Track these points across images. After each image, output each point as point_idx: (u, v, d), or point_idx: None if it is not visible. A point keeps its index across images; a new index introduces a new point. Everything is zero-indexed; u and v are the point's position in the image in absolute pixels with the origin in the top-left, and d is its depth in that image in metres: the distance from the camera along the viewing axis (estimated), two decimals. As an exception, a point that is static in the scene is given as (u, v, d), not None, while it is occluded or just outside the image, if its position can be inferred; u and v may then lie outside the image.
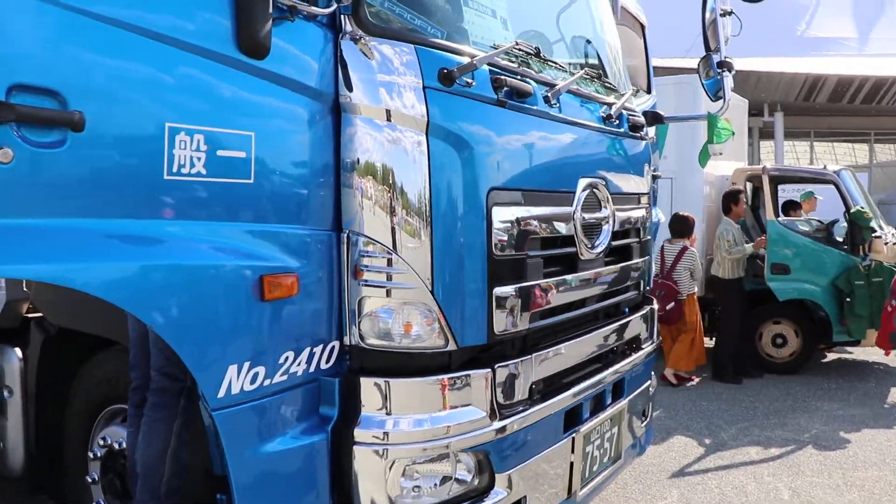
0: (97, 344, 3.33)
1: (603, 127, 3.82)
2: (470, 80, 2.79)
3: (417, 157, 2.68)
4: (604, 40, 4.41)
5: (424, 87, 2.67)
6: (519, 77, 3.09)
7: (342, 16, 2.67)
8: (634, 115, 4.30)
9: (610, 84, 4.11)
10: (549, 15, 3.97)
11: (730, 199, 8.73)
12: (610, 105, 3.91)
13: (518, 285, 3.00)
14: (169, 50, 2.22)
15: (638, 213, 4.24)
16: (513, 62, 3.14)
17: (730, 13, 4.77)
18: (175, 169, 2.25)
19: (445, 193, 2.74)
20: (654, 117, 4.92)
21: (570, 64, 3.82)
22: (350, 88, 2.67)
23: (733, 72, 4.75)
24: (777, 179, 9.63)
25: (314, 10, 2.55)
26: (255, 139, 2.45)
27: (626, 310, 4.28)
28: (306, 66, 2.60)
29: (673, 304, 7.94)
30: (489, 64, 2.93)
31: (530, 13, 3.77)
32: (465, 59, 2.79)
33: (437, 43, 2.80)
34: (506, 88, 2.95)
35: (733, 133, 4.66)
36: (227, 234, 2.41)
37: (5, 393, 3.50)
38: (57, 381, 3.48)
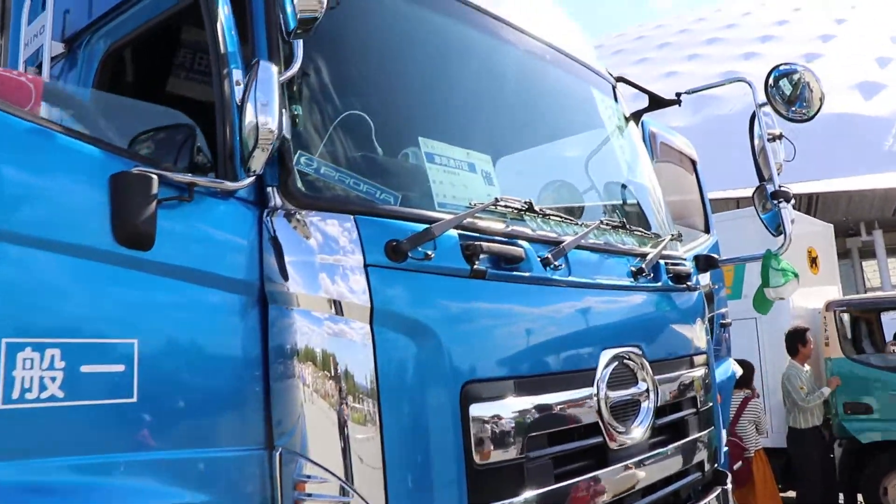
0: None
1: (633, 284, 3.20)
2: (429, 252, 2.27)
3: (362, 355, 2.13)
4: (635, 183, 3.89)
5: (366, 266, 2.17)
6: (505, 239, 2.57)
7: (268, 188, 2.25)
8: (677, 264, 3.67)
9: (642, 232, 3.54)
10: (559, 160, 3.52)
11: (796, 339, 7.78)
12: (642, 256, 3.32)
13: (514, 499, 2.33)
14: (6, 248, 1.80)
15: (692, 378, 3.51)
16: (501, 221, 2.64)
17: (779, 137, 4.18)
18: (16, 395, 1.76)
19: (400, 396, 2.16)
20: (707, 262, 4.28)
21: (585, 214, 3.29)
22: (280, 276, 2.19)
23: (791, 202, 4.11)
24: (856, 310, 8.60)
25: (225, 185, 2.13)
26: (138, 347, 1.96)
27: (691, 495, 3.47)
28: (216, 252, 2.15)
29: (740, 463, 6.91)
30: (462, 228, 2.43)
31: (532, 159, 3.32)
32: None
33: (385, 210, 2.32)
34: (485, 255, 2.42)
35: (796, 275, 3.94)
36: (99, 469, 1.88)
37: None
38: None
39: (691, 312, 3.70)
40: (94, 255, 1.91)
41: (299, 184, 2.23)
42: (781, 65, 4.06)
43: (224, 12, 2.29)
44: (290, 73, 2.21)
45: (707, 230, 5.38)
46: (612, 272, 3.11)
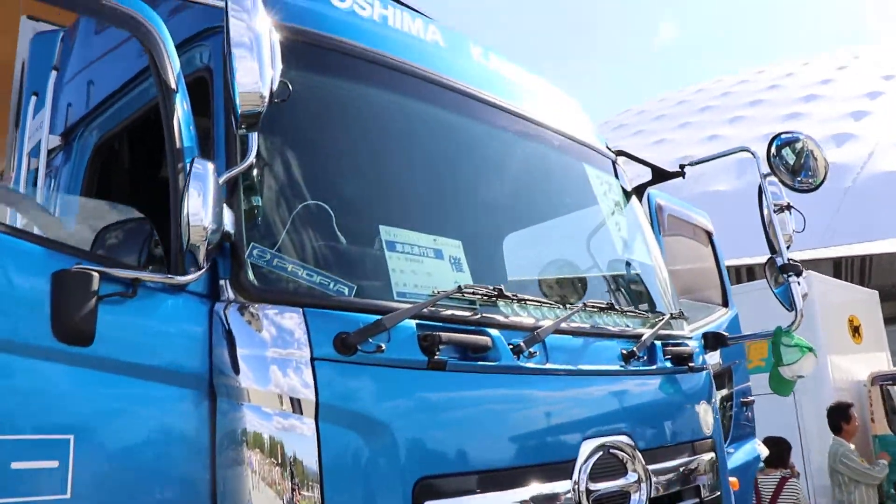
0: None
1: (623, 368, 3.07)
2: (381, 345, 2.21)
3: (307, 450, 2.07)
4: (634, 261, 3.80)
5: (313, 360, 2.13)
6: (472, 328, 2.50)
7: (221, 281, 2.24)
8: (678, 344, 3.52)
9: (636, 312, 3.42)
10: (548, 241, 3.44)
11: (838, 416, 7.36)
12: (635, 338, 3.20)
13: None
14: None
15: (695, 465, 3.33)
16: (470, 309, 2.57)
17: (787, 208, 4.05)
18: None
19: (345, 493, 2.08)
20: (716, 340, 4.10)
21: (575, 297, 3.20)
22: (230, 369, 2.16)
23: (802, 275, 3.94)
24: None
25: (171, 279, 2.12)
26: (74, 443, 1.93)
27: None
28: (163, 345, 2.13)
29: None
30: (423, 318, 2.37)
31: (518, 242, 3.25)
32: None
33: (337, 302, 2.28)
34: (446, 345, 2.35)
35: (811, 350, 3.75)
36: None
37: None
38: None
39: (694, 395, 3.53)
40: (33, 352, 1.91)
41: (251, 277, 2.22)
42: (782, 133, 3.97)
43: (181, 108, 2.32)
44: (242, 167, 2.22)
45: (725, 304, 5.20)
46: (598, 357, 2.99)
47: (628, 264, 3.74)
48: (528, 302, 2.81)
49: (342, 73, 2.73)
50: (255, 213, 2.32)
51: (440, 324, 2.43)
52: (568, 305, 3.00)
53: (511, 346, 2.59)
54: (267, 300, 2.20)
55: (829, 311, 8.43)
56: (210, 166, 2.03)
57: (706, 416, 3.58)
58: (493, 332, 2.56)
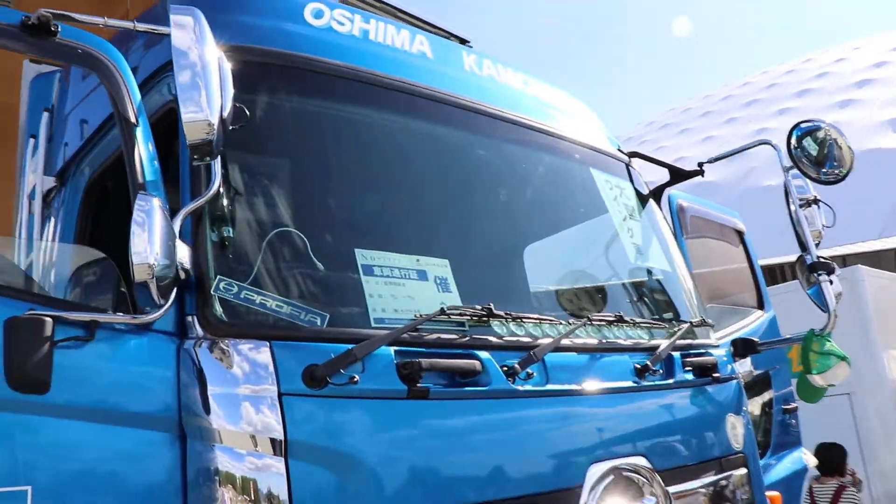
0: None
1: (636, 384, 2.89)
2: (354, 376, 2.09)
3: (277, 492, 1.96)
4: (649, 267, 3.60)
5: (280, 395, 2.02)
6: (458, 351, 2.36)
7: (188, 317, 2.15)
8: (700, 354, 3.32)
9: (650, 323, 3.22)
10: (550, 253, 3.29)
11: None
12: (650, 351, 3.02)
13: None
14: None
15: (726, 482, 3.12)
16: (457, 331, 2.44)
17: (815, 202, 3.81)
18: None
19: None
20: (745, 346, 3.88)
21: (582, 310, 3.04)
22: (199, 408, 2.07)
23: (836, 273, 3.70)
24: None
25: (132, 319, 2.04)
26: (32, 494, 1.86)
27: None
28: (126, 387, 2.05)
29: None
30: (404, 344, 2.25)
31: (517, 256, 3.10)
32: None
33: (307, 333, 2.17)
34: (427, 373, 2.22)
35: (844, 358, 3.49)
36: None
37: None
38: None
39: (720, 407, 3.31)
40: None
41: (218, 311, 2.13)
42: (802, 122, 3.73)
43: (141, 141, 2.26)
44: (203, 199, 2.15)
45: (761, 306, 4.93)
46: (607, 374, 2.82)
47: (643, 271, 3.56)
48: (524, 320, 2.66)
49: (312, 92, 2.65)
50: (222, 245, 2.23)
51: (423, 349, 2.30)
52: (572, 321, 2.84)
53: (505, 369, 2.45)
54: (235, 335, 2.11)
55: (887, 306, 7.99)
56: (156, 201, 1.95)
57: (736, 429, 3.35)
58: (484, 354, 2.42)
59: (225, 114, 2.05)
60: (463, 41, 7.74)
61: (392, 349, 2.22)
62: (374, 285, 2.37)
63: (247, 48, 2.45)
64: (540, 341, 2.61)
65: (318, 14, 2.92)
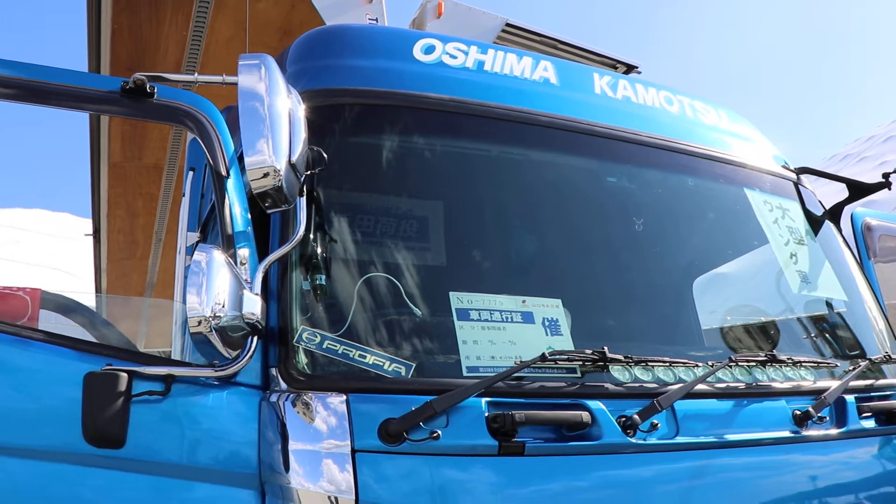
0: None
1: (794, 435, 2.45)
2: (436, 431, 1.92)
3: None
4: (816, 298, 3.11)
5: (354, 451, 1.89)
6: (565, 401, 2.12)
7: (271, 369, 2.10)
8: (882, 398, 2.78)
9: (818, 362, 2.74)
10: (690, 290, 2.92)
11: None
12: (816, 394, 2.57)
13: None
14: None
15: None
16: (567, 379, 2.19)
17: None
18: None
19: None
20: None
21: (723, 352, 2.66)
22: (280, 466, 1.98)
23: None
24: None
25: (205, 372, 2.01)
26: None
27: None
28: (204, 443, 2.01)
29: None
30: (500, 394, 2.04)
31: (644, 292, 2.77)
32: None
33: (388, 385, 2.03)
34: (524, 426, 1.99)
35: None
36: None
37: None
38: None
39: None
40: (67, 458, 1.89)
41: (300, 362, 2.06)
42: None
43: (232, 194, 2.27)
44: (285, 248, 2.11)
45: None
46: (757, 423, 2.41)
47: (812, 303, 3.06)
48: (651, 363, 2.35)
49: (407, 129, 2.54)
50: (308, 294, 2.17)
51: (524, 401, 2.08)
52: (713, 363, 2.46)
53: (622, 420, 2.15)
54: (316, 388, 2.02)
55: None
56: (216, 253, 1.92)
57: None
58: (596, 405, 2.15)
59: (294, 158, 2.00)
60: (630, 67, 7.38)
61: (484, 401, 2.02)
62: (469, 331, 2.18)
63: (323, 91, 2.40)
64: (669, 388, 2.28)
65: (429, 50, 2.84)
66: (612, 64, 7.28)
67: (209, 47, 6.22)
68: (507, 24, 5.67)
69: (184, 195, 3.85)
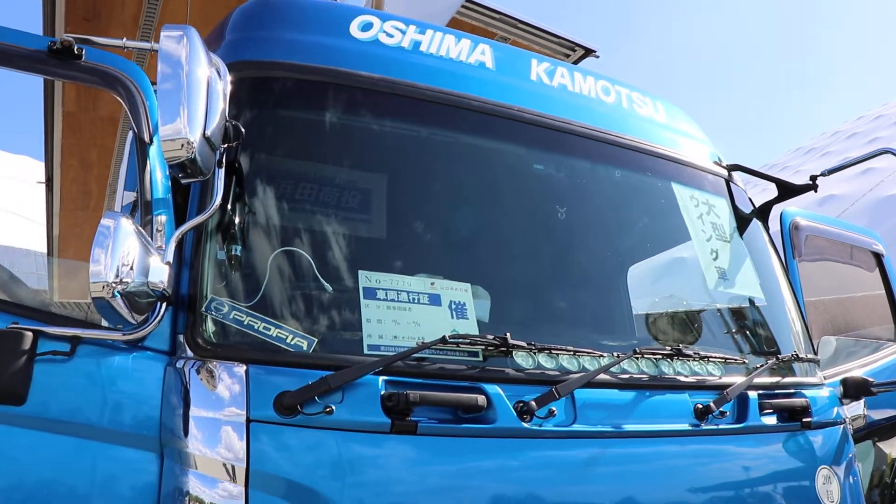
0: None
1: (692, 428, 2.55)
2: (330, 406, 1.98)
3: (236, 527, 1.88)
4: (732, 295, 3.21)
5: (249, 421, 1.94)
6: (462, 384, 2.18)
7: (179, 336, 2.14)
8: (787, 395, 2.90)
9: (725, 358, 2.84)
10: (600, 277, 2.99)
11: None
12: (718, 389, 2.67)
13: None
14: None
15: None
16: (469, 363, 2.26)
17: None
18: None
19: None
20: (857, 387, 3.36)
21: (630, 343, 2.74)
22: (180, 431, 2.03)
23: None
24: None
25: (111, 336, 2.05)
26: None
27: None
28: (108, 404, 2.05)
29: None
30: (397, 373, 2.10)
31: (558, 282, 2.84)
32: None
33: (288, 358, 2.08)
34: (419, 406, 2.06)
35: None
36: None
37: None
38: None
39: (809, 457, 2.86)
40: None
41: (206, 331, 2.10)
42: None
43: (153, 160, 2.29)
44: (199, 219, 2.14)
45: (903, 338, 4.28)
46: (657, 415, 2.50)
47: (726, 299, 3.17)
48: (556, 352, 2.42)
49: (338, 106, 2.56)
50: (221, 264, 2.20)
51: (423, 381, 2.14)
52: (619, 354, 2.54)
53: (520, 405, 2.23)
54: (219, 356, 2.06)
55: None
56: (123, 220, 1.94)
57: (828, 484, 2.88)
58: (494, 389, 2.22)
59: (209, 131, 2.02)
60: (588, 51, 7.40)
61: (382, 379, 2.08)
62: (374, 309, 2.24)
63: (253, 63, 2.41)
64: (571, 376, 2.36)
65: (366, 27, 2.85)
66: (571, 46, 7.29)
67: (168, 3, 6.12)
68: (467, 1, 5.66)
69: (125, 155, 3.85)
